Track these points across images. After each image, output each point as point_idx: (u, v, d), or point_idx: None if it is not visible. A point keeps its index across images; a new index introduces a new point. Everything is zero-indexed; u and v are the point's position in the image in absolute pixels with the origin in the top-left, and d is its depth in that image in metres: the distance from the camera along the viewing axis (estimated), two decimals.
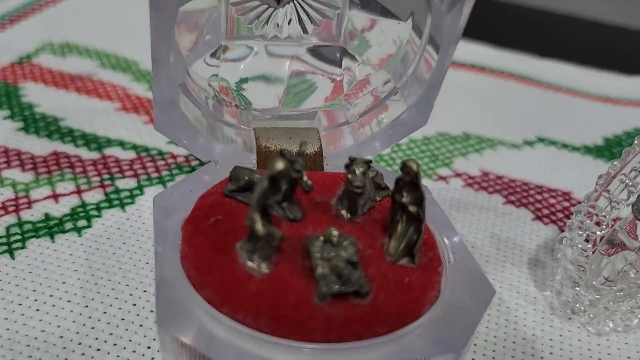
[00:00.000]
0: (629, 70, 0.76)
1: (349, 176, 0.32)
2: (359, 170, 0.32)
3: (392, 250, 0.32)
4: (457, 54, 0.73)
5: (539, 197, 0.53)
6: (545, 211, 0.51)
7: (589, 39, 0.88)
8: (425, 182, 0.52)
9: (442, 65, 0.37)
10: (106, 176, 0.47)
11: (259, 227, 0.29)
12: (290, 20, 0.39)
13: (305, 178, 0.31)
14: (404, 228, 0.32)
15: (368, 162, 0.32)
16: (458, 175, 0.54)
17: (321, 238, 0.31)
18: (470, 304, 0.31)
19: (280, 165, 0.28)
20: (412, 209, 0.31)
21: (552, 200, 0.53)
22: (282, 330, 0.28)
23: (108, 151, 0.50)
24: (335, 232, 0.30)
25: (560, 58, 0.77)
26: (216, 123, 0.39)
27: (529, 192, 0.53)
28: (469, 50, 0.75)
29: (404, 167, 0.30)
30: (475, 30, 0.78)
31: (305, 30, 0.40)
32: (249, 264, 0.30)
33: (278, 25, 0.39)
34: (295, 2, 0.38)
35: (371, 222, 0.34)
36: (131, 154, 0.50)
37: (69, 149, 0.50)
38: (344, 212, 0.34)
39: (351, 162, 0.32)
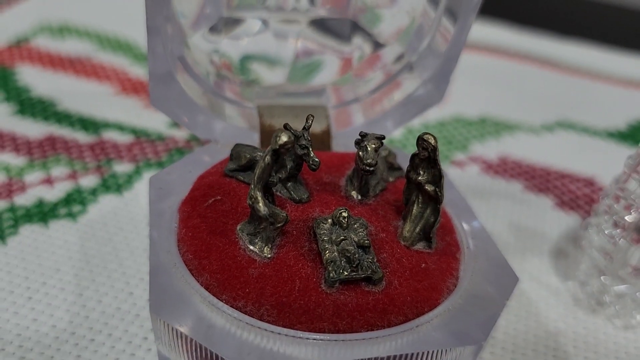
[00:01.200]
0: None
1: (360, 153, 0.29)
2: (370, 147, 0.29)
3: (406, 234, 0.29)
4: (474, 36, 0.71)
5: (559, 183, 0.50)
6: (566, 198, 0.49)
7: (611, 21, 0.85)
8: None
9: (459, 37, 0.35)
10: (103, 160, 0.45)
11: (261, 206, 0.26)
12: None
13: (312, 154, 0.28)
14: (420, 209, 0.29)
15: (381, 138, 0.29)
16: (474, 160, 0.52)
17: (329, 220, 0.28)
18: (492, 293, 0.29)
19: (284, 137, 0.25)
20: (429, 188, 0.28)
21: (574, 187, 0.50)
22: (287, 319, 0.26)
23: (106, 135, 0.48)
24: (344, 213, 0.28)
25: (581, 40, 0.74)
26: (217, 100, 0.37)
27: (549, 178, 0.51)
28: (486, 32, 0.72)
29: (421, 140, 0.27)
30: (494, 12, 0.75)
31: (312, 2, 0.37)
32: (251, 247, 0.27)
33: None
34: None
35: (384, 204, 0.31)
36: (130, 138, 0.48)
37: (65, 132, 0.47)
38: (354, 193, 0.31)
39: (362, 138, 0.30)
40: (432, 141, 0.27)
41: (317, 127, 0.37)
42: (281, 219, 0.27)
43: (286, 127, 0.28)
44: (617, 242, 0.37)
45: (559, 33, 0.74)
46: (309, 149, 0.28)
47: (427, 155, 0.28)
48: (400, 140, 0.53)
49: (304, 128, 0.29)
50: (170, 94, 0.34)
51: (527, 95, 0.62)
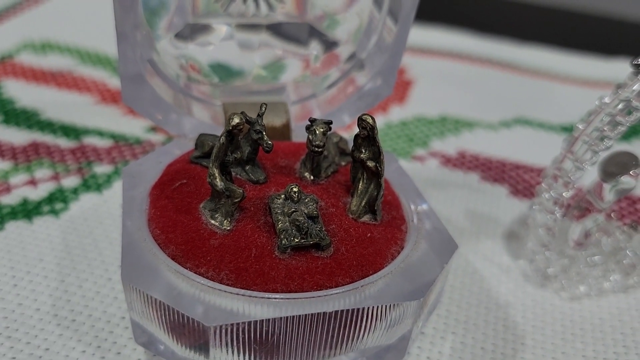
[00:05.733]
0: (607, 54, 0.77)
1: (310, 136, 0.33)
2: (319, 130, 0.32)
3: (354, 208, 0.33)
4: (438, 42, 0.74)
5: (514, 174, 0.53)
6: (520, 187, 0.52)
7: (568, 26, 0.89)
8: (400, 162, 0.53)
9: (402, 34, 0.38)
10: (84, 162, 0.48)
11: (218, 181, 0.29)
12: None
13: (265, 138, 0.32)
14: (365, 185, 0.33)
15: (328, 123, 0.33)
16: (434, 155, 0.55)
17: (282, 195, 0.31)
18: (432, 258, 0.32)
19: (236, 119, 0.29)
20: (370, 164, 0.32)
21: (527, 177, 0.53)
22: (244, 282, 0.29)
23: (86, 140, 0.51)
24: (295, 189, 0.31)
25: (540, 45, 0.78)
26: (187, 98, 0.40)
27: (505, 169, 0.54)
28: (450, 39, 0.76)
29: (360, 121, 0.31)
30: (457, 19, 0.79)
31: (271, 8, 0.41)
32: (212, 221, 0.31)
33: (245, 0, 0.40)
34: None
35: (335, 184, 0.34)
36: (109, 142, 0.51)
37: (48, 139, 0.51)
38: (307, 174, 0.34)
39: (311, 123, 0.33)
40: (370, 120, 0.30)
41: (277, 121, 0.40)
42: (238, 195, 0.30)
43: (242, 113, 0.31)
44: (558, 218, 0.40)
45: (518, 39, 0.78)
46: (262, 133, 0.32)
47: (367, 134, 0.31)
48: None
49: (258, 115, 0.32)
50: (142, 93, 0.38)
51: (487, 96, 0.66)
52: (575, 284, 0.42)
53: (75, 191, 0.45)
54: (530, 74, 0.71)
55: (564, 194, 0.39)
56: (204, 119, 0.40)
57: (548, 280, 0.42)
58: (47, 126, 0.52)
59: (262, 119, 0.32)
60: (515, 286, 0.42)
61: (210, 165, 0.30)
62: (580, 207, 0.43)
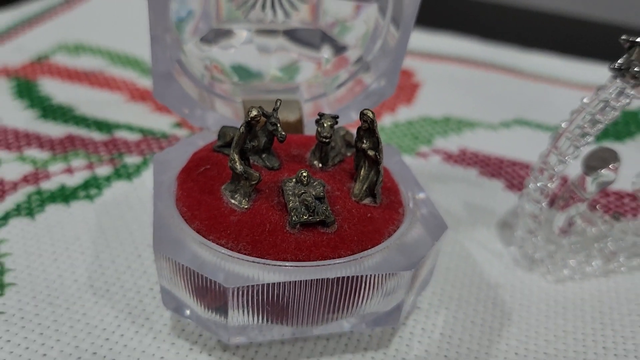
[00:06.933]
0: (605, 60, 0.81)
1: (318, 128, 0.37)
2: (327, 124, 0.37)
3: (356, 192, 0.37)
4: (444, 48, 0.79)
5: (510, 170, 0.58)
6: (516, 182, 0.56)
7: (568, 33, 0.93)
8: (404, 158, 0.57)
9: (403, 39, 0.43)
10: (116, 154, 0.53)
11: (238, 165, 0.34)
12: (273, 4, 0.44)
13: (280, 129, 0.36)
14: (366, 171, 0.37)
15: (335, 117, 0.37)
16: (436, 152, 0.59)
17: (294, 180, 0.36)
18: (424, 236, 0.36)
19: (254, 112, 0.33)
20: (370, 153, 0.36)
21: (523, 173, 0.57)
22: (258, 252, 0.33)
23: (117, 134, 0.56)
24: (304, 173, 0.35)
25: (541, 50, 0.82)
26: (210, 96, 0.45)
27: (502, 165, 0.58)
28: (456, 44, 0.81)
29: (361, 114, 0.35)
30: (463, 26, 0.84)
31: (287, 15, 0.45)
32: (232, 201, 0.35)
33: (264, 8, 0.44)
34: None
35: (340, 171, 0.39)
36: (138, 136, 0.56)
37: (82, 132, 0.56)
38: (316, 162, 0.39)
39: (320, 117, 0.37)
40: (370, 114, 0.35)
41: (291, 117, 0.45)
42: (255, 178, 0.35)
43: (259, 107, 0.35)
44: (543, 207, 0.44)
45: (521, 45, 0.82)
46: (277, 125, 0.36)
47: (367, 127, 0.36)
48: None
49: (273, 109, 0.37)
50: (171, 90, 0.42)
51: (489, 99, 0.70)
52: (560, 268, 0.46)
53: (108, 179, 0.50)
54: (532, 78, 0.75)
55: (549, 185, 0.43)
56: (226, 114, 0.45)
57: (535, 264, 0.46)
58: (82, 121, 0.57)
59: (277, 113, 0.36)
60: (506, 269, 0.46)
61: (231, 151, 0.34)
62: (565, 197, 0.47)
